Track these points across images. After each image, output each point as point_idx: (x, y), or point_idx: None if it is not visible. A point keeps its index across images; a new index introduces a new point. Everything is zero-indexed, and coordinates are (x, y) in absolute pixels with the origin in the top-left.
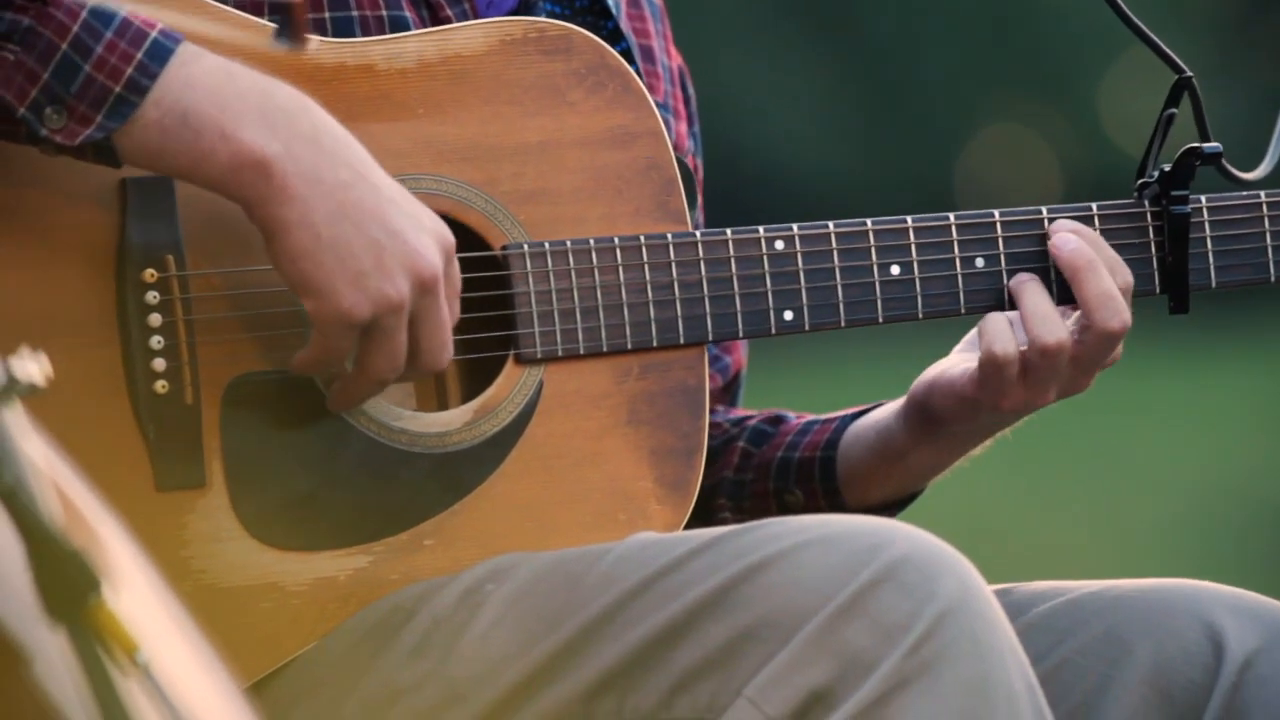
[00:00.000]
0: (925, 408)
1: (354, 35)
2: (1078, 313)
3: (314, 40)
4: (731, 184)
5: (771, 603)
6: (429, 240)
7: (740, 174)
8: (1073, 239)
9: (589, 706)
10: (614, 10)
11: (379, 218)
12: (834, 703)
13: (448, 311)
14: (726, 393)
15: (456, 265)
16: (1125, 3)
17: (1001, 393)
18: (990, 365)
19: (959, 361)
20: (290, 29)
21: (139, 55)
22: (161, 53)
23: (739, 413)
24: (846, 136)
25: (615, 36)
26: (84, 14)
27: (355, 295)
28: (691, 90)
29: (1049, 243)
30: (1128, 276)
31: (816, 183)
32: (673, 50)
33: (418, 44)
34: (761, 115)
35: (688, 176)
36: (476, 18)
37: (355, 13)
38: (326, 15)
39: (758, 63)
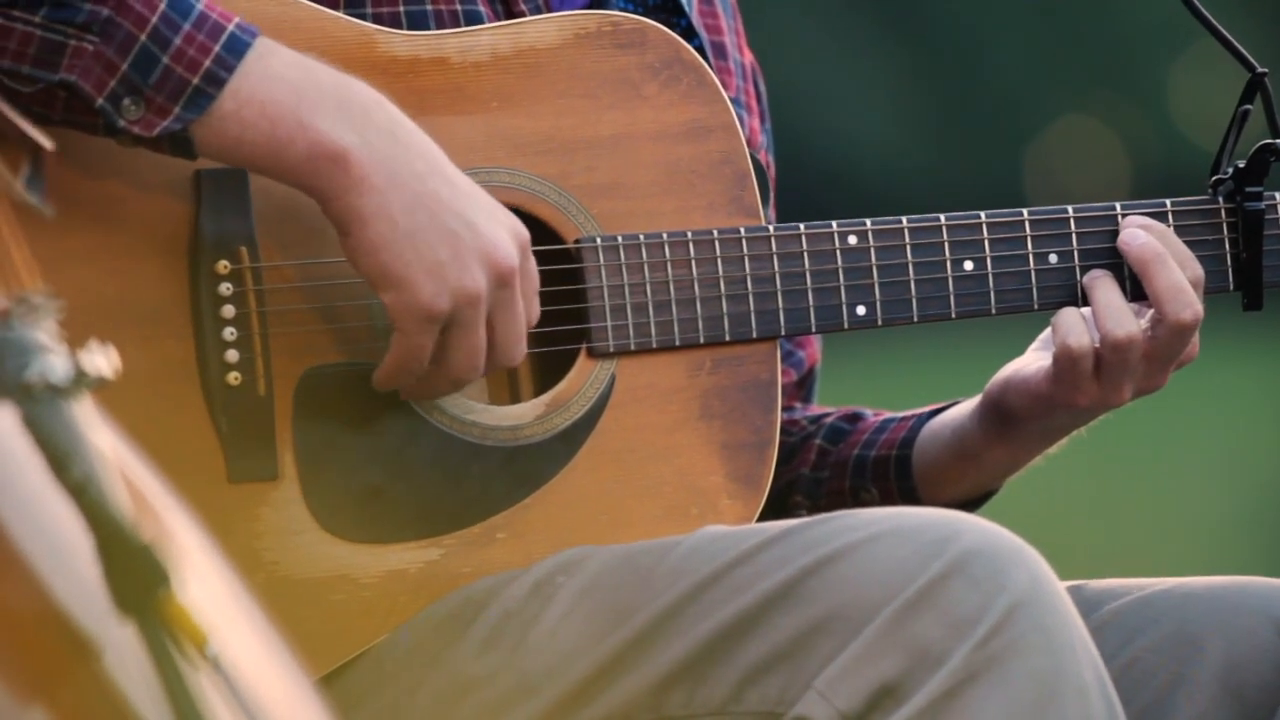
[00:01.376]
0: (1001, 406)
1: (428, 28)
2: (1151, 310)
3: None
4: (802, 181)
5: (841, 595)
6: (505, 234)
7: (811, 171)
8: (1141, 234)
9: (659, 699)
10: (686, 7)
11: (455, 210)
12: (903, 696)
13: (523, 305)
14: (800, 388)
15: (533, 260)
16: None
17: (1076, 389)
18: (1065, 360)
19: (1034, 360)
20: (39, 178)
21: (216, 47)
22: (239, 45)
23: (816, 410)
24: (917, 132)
25: (688, 34)
26: (162, 6)
27: (434, 287)
28: (763, 87)
29: (1118, 238)
30: (1198, 270)
31: (888, 179)
32: (745, 47)
33: (491, 37)
34: (832, 112)
35: (760, 172)
36: (549, 12)
37: (429, 6)
38: (401, 9)
39: (828, 60)
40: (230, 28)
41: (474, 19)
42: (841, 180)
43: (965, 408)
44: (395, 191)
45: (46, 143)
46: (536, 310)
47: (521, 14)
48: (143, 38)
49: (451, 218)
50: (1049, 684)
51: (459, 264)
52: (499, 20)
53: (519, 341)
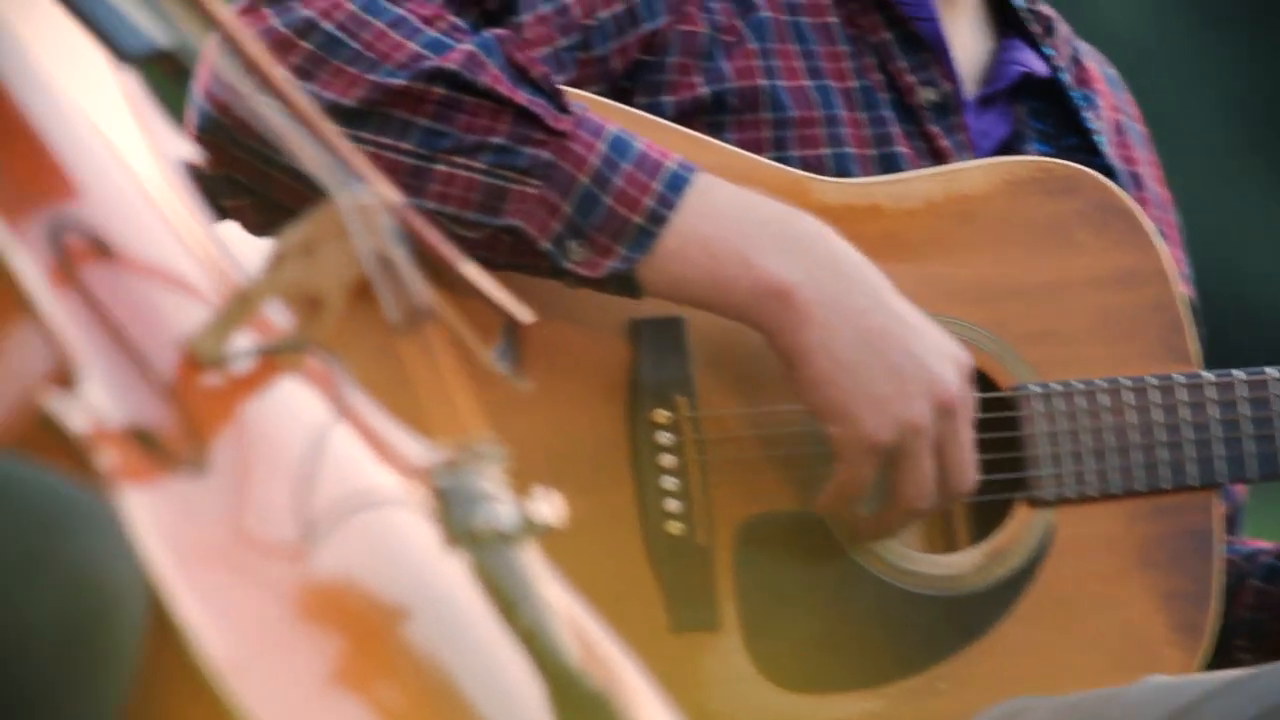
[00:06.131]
0: None
1: (850, 174)
2: None
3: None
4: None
5: None
6: (948, 364)
7: (1222, 309)
8: None
9: None
10: (1102, 146)
11: (899, 343)
12: None
13: (969, 434)
14: (1230, 522)
15: (970, 390)
16: None
17: None
18: None
19: None
20: (512, 350)
21: (658, 186)
22: (679, 183)
23: (1250, 544)
24: None
25: (1107, 173)
26: (603, 147)
27: (878, 419)
28: (1180, 220)
29: None
30: None
31: None
32: (1163, 180)
33: (924, 185)
34: (1245, 249)
35: (1190, 314)
36: (971, 146)
37: (852, 150)
38: (825, 151)
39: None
40: (670, 165)
41: (894, 161)
42: (1254, 320)
43: None
44: (839, 325)
45: (524, 315)
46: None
47: (944, 150)
48: (585, 179)
49: (895, 350)
50: None
51: (903, 396)
52: (921, 159)
53: (967, 469)
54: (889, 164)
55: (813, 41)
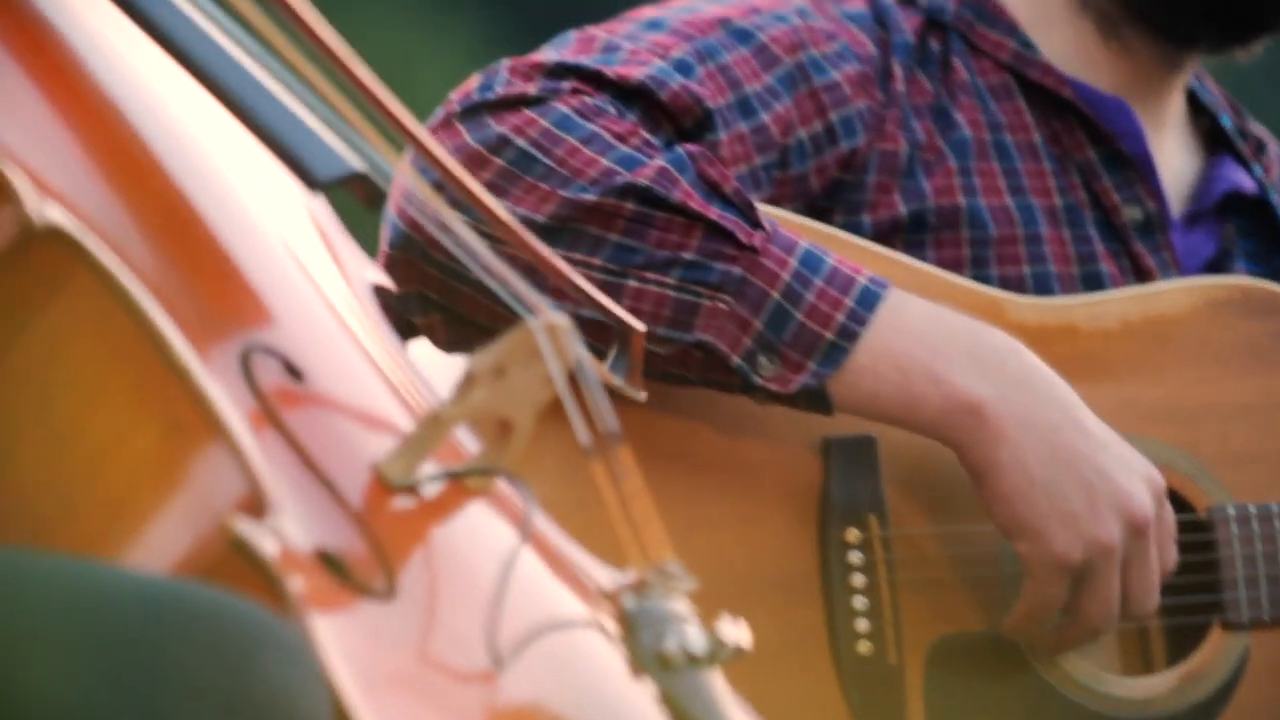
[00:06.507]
0: None
1: (1051, 291)
2: None
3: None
4: None
5: None
6: (1140, 483)
7: None
8: None
9: None
10: None
11: (1090, 460)
12: None
13: (1157, 556)
14: None
15: (1169, 509)
16: None
17: None
18: None
19: None
20: (625, 362)
21: (849, 302)
22: (870, 298)
23: None
24: None
25: None
26: (794, 263)
27: (1067, 537)
28: None
29: None
30: None
31: None
32: None
33: (1121, 306)
34: None
35: None
36: (1176, 265)
37: (1053, 268)
38: (1026, 270)
39: None
40: (861, 280)
41: (1098, 279)
42: None
43: None
44: (1030, 442)
45: (637, 325)
46: (1172, 556)
47: (1147, 269)
48: (776, 295)
49: (1086, 468)
50: None
51: (1093, 515)
52: (1125, 278)
53: (1152, 592)
54: (1092, 282)
55: (1015, 159)
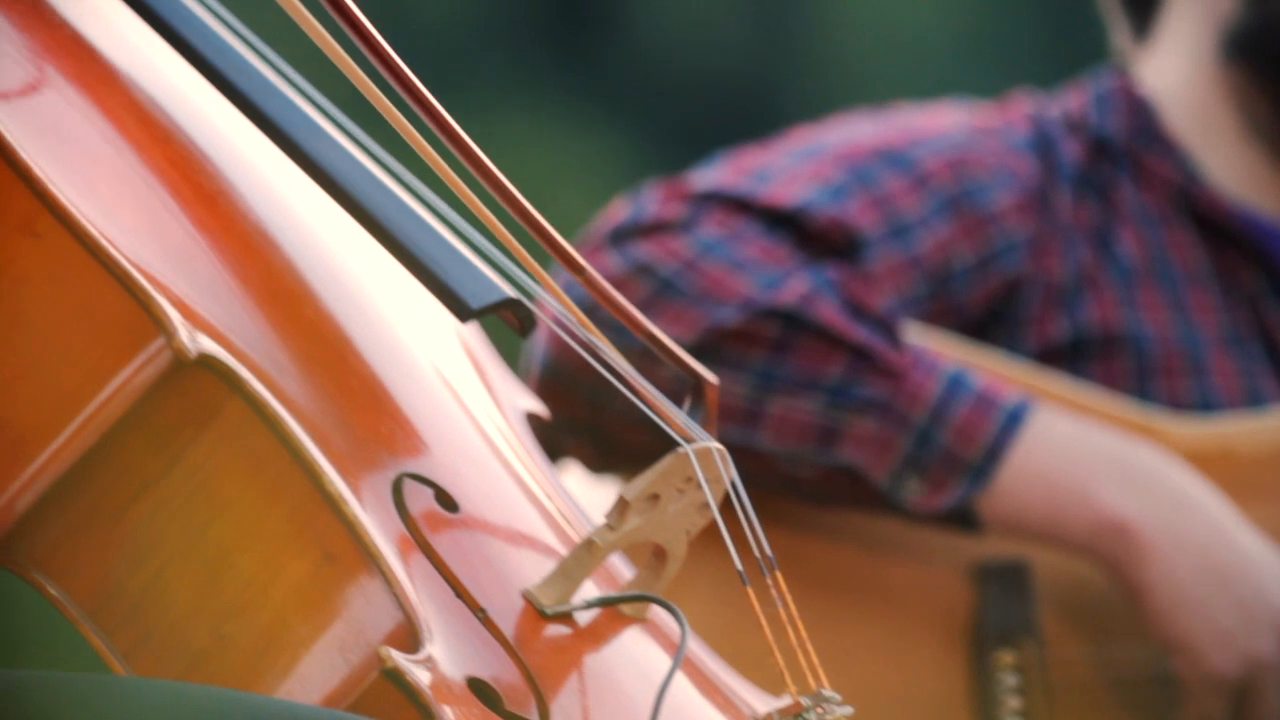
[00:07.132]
0: None
1: (1217, 407)
2: None
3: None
4: None
5: None
6: None
7: None
8: None
9: None
10: None
11: (1243, 577)
12: None
13: None
14: None
15: None
16: None
17: None
18: None
19: None
20: (700, 410)
21: (995, 422)
22: (1016, 419)
23: None
24: None
25: None
26: (938, 384)
27: (1223, 654)
28: None
29: None
30: None
31: None
32: None
33: (1274, 434)
34: None
35: None
36: None
37: (1219, 395)
38: (1189, 396)
39: None
40: (1007, 401)
41: (1258, 396)
42: None
43: None
44: (1181, 560)
45: (710, 377)
46: None
47: None
48: (921, 417)
49: (1239, 584)
50: None
51: (1247, 631)
52: None
53: None
54: (1256, 406)
55: (1179, 284)
